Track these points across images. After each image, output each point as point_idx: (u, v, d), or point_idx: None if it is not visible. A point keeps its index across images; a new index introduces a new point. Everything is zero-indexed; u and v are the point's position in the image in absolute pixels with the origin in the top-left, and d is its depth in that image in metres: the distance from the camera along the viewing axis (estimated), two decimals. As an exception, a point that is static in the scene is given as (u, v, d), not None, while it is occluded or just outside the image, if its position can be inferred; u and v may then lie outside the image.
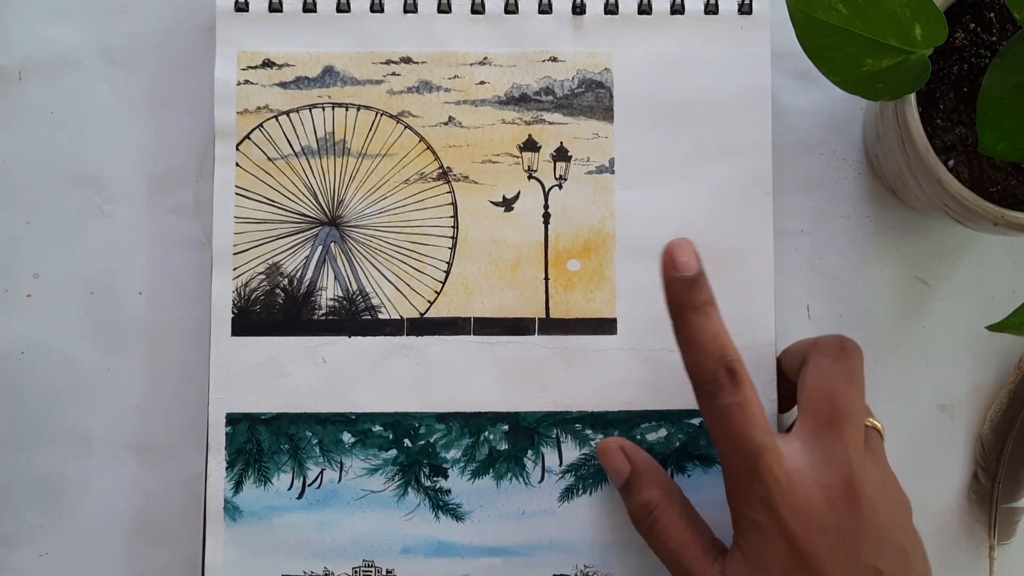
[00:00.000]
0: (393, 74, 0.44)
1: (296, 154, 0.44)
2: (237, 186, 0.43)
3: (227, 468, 0.44)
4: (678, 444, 0.44)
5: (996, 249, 0.46)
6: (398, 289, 0.45)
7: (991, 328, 0.36)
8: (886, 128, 0.41)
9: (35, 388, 0.45)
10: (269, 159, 0.44)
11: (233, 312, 0.44)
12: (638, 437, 0.44)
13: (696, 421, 0.44)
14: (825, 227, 0.46)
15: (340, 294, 0.45)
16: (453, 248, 0.45)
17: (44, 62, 0.45)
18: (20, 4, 0.45)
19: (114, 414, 0.45)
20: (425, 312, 0.44)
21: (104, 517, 0.45)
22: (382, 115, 0.44)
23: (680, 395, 0.44)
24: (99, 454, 0.44)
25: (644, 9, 0.44)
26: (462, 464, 0.44)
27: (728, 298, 0.42)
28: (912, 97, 0.38)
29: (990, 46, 0.39)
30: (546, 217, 0.44)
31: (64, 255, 0.45)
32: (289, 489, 0.44)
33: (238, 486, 0.44)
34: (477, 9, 0.43)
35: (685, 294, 0.37)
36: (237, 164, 0.43)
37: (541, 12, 0.44)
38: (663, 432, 0.44)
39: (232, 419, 0.44)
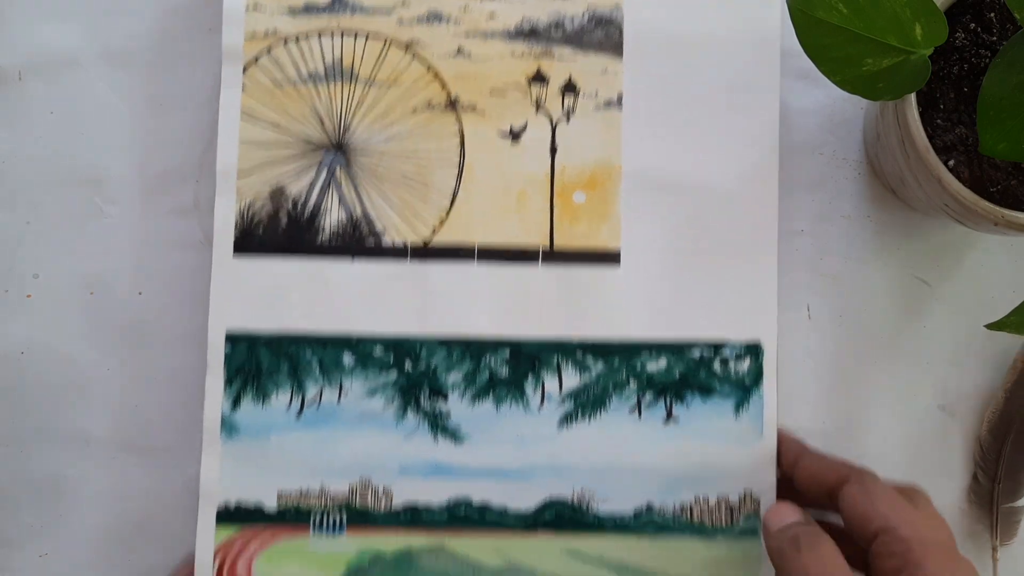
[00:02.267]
0: (403, 4, 0.44)
1: (303, 80, 0.44)
2: (243, 110, 0.43)
3: (225, 386, 0.43)
4: (678, 374, 0.44)
5: (996, 249, 0.46)
6: (402, 216, 0.45)
7: (990, 327, 0.36)
8: (886, 128, 0.41)
9: (35, 388, 0.44)
10: (276, 84, 0.44)
11: (236, 232, 0.44)
12: (638, 367, 0.44)
13: (696, 353, 0.44)
14: (825, 227, 0.46)
15: (344, 218, 0.45)
16: (459, 177, 0.45)
17: (44, 62, 0.45)
18: (20, 4, 0.45)
19: (114, 414, 0.45)
20: (429, 239, 0.44)
21: (104, 517, 0.44)
22: (391, 44, 0.44)
23: (681, 326, 0.44)
24: (99, 454, 0.44)
25: None
26: (462, 388, 0.44)
27: (729, 229, 0.44)
28: (912, 97, 0.38)
29: (990, 46, 0.39)
30: (553, 149, 0.44)
31: (64, 255, 0.45)
32: (288, 408, 0.44)
33: (236, 403, 0.44)
34: None
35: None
36: (243, 87, 0.43)
37: None
38: (663, 362, 0.44)
39: (232, 338, 0.44)
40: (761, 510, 0.43)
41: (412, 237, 0.45)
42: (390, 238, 0.44)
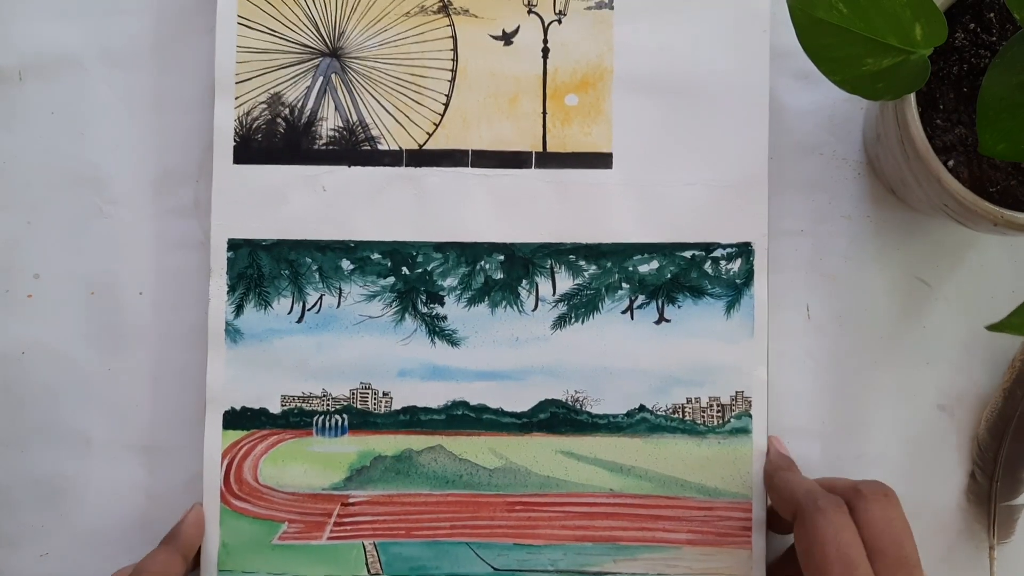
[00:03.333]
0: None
1: (298, -15, 0.43)
2: (239, 15, 0.44)
3: (228, 292, 0.44)
4: (669, 276, 0.45)
5: (996, 249, 0.46)
6: (397, 120, 0.45)
7: (991, 328, 0.36)
8: (886, 128, 0.41)
9: (35, 388, 0.45)
10: None
11: (235, 140, 0.44)
12: (631, 269, 0.45)
13: (688, 254, 0.45)
14: (825, 227, 0.46)
15: (340, 124, 0.45)
16: (452, 81, 0.45)
17: (44, 62, 0.45)
18: (20, 4, 0.45)
19: (114, 414, 0.45)
20: (424, 144, 0.45)
21: (104, 517, 0.45)
22: (383, -53, 0.43)
23: (673, 228, 0.45)
24: (99, 454, 0.45)
25: None
26: (458, 292, 0.45)
27: (720, 129, 0.44)
28: (912, 97, 0.38)
29: (990, 46, 0.39)
30: (545, 51, 0.44)
31: (64, 255, 0.45)
32: (289, 313, 0.45)
33: (239, 309, 0.44)
34: None
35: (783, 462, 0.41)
36: None
37: None
38: (655, 264, 0.45)
39: (233, 244, 0.45)
40: (752, 409, 0.44)
41: (407, 142, 0.45)
42: (386, 143, 0.45)
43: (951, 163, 0.39)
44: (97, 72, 0.46)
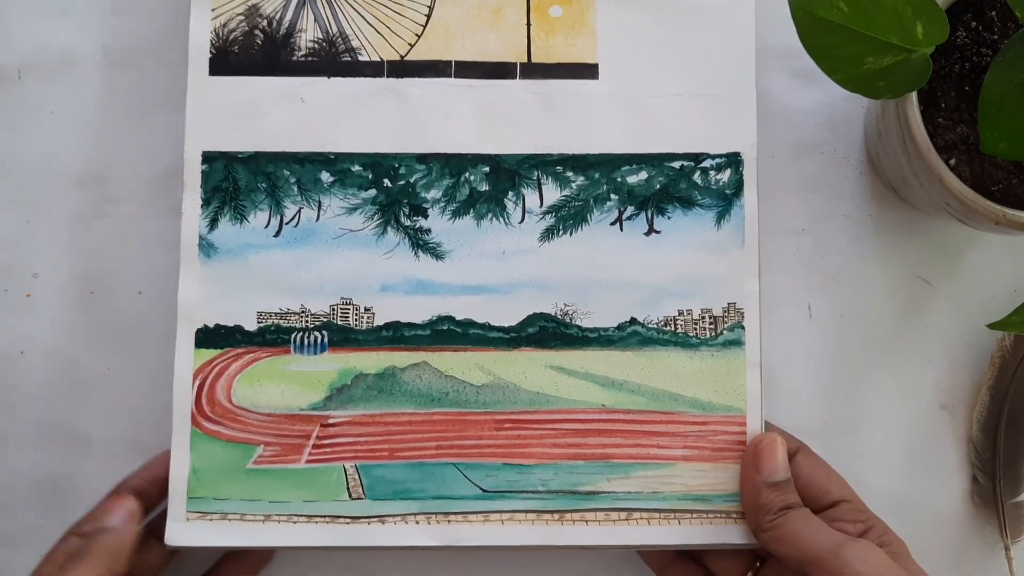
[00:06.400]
0: None
1: None
2: None
3: (202, 206, 0.43)
4: (658, 186, 0.44)
5: (997, 248, 0.46)
6: (378, 32, 0.44)
7: (992, 326, 0.36)
8: (887, 127, 0.41)
9: (34, 388, 0.44)
10: None
11: (211, 52, 0.43)
12: (619, 179, 0.44)
13: (676, 164, 0.44)
14: (826, 226, 0.46)
15: (320, 36, 0.44)
16: None
17: (44, 62, 0.45)
18: (20, 4, 0.45)
19: (114, 414, 0.45)
20: (406, 55, 0.44)
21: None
22: None
23: (661, 138, 0.44)
24: (99, 454, 0.44)
25: None
26: (442, 204, 0.44)
27: (706, 39, 0.44)
28: (913, 95, 0.38)
29: (991, 44, 0.39)
30: None
31: (64, 255, 0.45)
32: (266, 227, 0.43)
33: (213, 223, 0.43)
34: None
35: (774, 498, 0.39)
36: None
37: None
38: (643, 175, 0.44)
39: (208, 157, 0.43)
40: (744, 321, 0.43)
41: (389, 53, 0.44)
42: (367, 55, 0.44)
43: (952, 162, 0.39)
44: (97, 72, 0.46)
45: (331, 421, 0.43)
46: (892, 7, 0.34)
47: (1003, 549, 0.45)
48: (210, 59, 0.43)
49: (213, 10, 0.44)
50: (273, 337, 0.43)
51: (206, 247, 0.43)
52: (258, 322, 0.43)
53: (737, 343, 0.43)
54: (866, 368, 0.46)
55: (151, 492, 0.41)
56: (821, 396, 0.45)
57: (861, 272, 0.46)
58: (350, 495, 0.42)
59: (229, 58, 0.43)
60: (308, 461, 0.42)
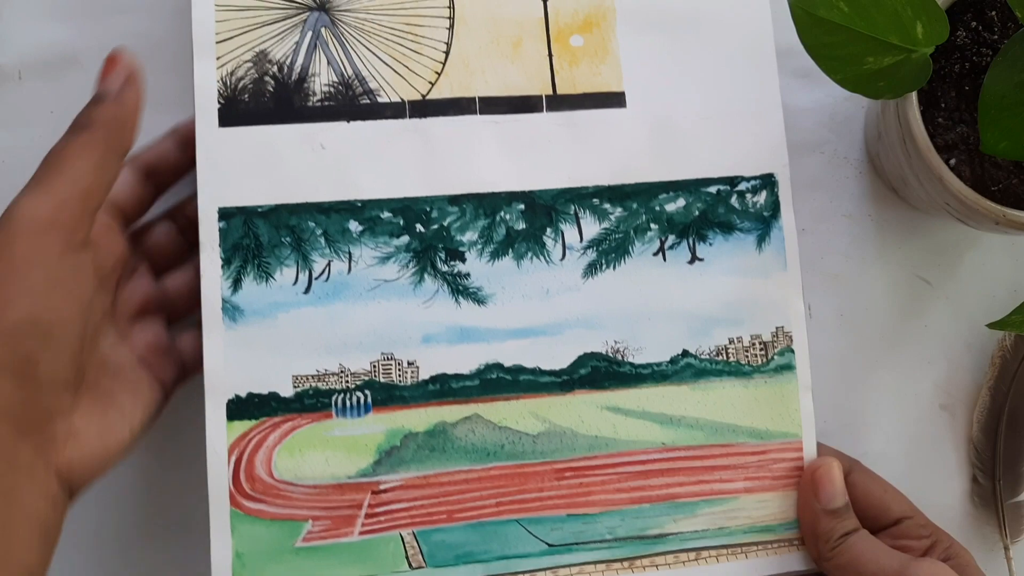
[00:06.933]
0: None
1: (278, -63, 0.41)
2: None
3: (223, 266, 0.40)
4: (697, 212, 0.43)
5: (997, 248, 0.46)
6: (396, 72, 0.42)
7: (992, 326, 0.36)
8: (887, 127, 0.41)
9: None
10: None
11: (219, 102, 0.41)
12: (657, 208, 0.43)
13: (713, 189, 0.43)
14: (826, 226, 0.46)
15: (335, 79, 0.42)
16: (451, 28, 0.43)
17: (44, 62, 0.45)
18: (20, 4, 0.45)
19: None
20: (427, 93, 0.42)
21: (105, 517, 0.44)
22: None
23: (695, 164, 0.43)
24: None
25: None
26: (479, 246, 0.42)
27: (729, 59, 0.43)
28: (913, 95, 0.38)
29: (992, 44, 0.39)
30: None
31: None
32: (294, 284, 0.41)
33: (236, 284, 0.40)
34: None
35: (834, 525, 0.39)
36: None
37: None
38: (681, 202, 0.43)
39: (225, 213, 0.40)
40: (794, 344, 0.43)
41: (409, 93, 0.42)
42: (386, 96, 0.42)
43: (953, 162, 0.39)
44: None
45: (383, 487, 0.40)
46: (892, 7, 0.34)
47: (1003, 549, 0.45)
48: (219, 109, 0.41)
49: (219, 58, 0.41)
50: (312, 402, 0.40)
51: (231, 310, 0.40)
52: (294, 387, 0.40)
53: (788, 367, 0.42)
54: (865, 368, 0.46)
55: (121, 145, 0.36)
56: (821, 396, 0.45)
57: (861, 272, 0.46)
58: (410, 564, 0.40)
59: (239, 107, 0.41)
60: (362, 533, 0.40)
